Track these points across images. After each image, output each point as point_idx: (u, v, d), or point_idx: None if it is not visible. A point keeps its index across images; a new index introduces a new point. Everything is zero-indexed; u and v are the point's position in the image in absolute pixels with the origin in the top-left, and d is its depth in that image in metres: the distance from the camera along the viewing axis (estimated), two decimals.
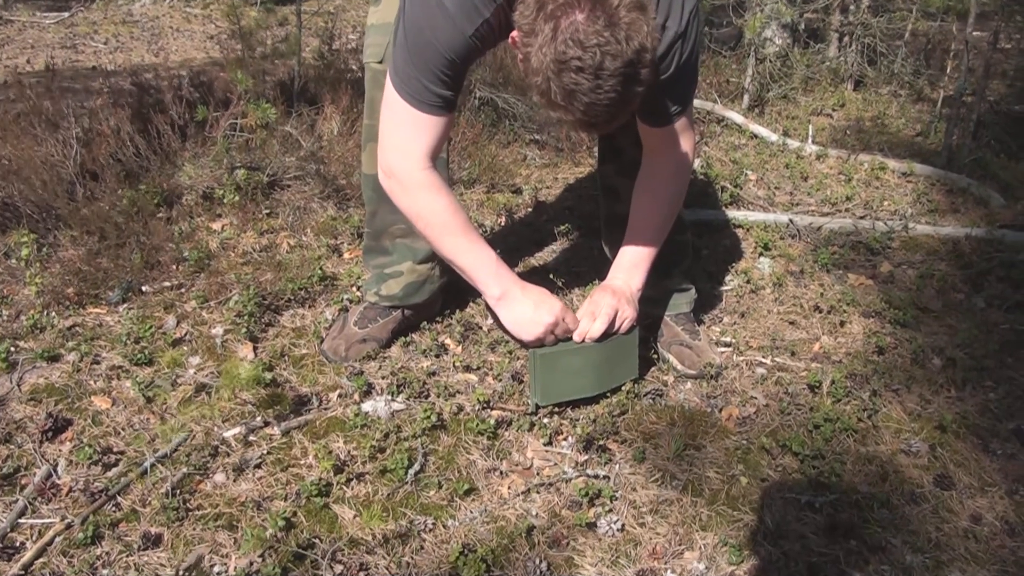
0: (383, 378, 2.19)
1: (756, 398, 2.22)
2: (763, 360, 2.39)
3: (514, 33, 1.64)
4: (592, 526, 1.77)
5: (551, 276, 2.61)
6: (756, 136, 4.40)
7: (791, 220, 3.22)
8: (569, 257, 2.87)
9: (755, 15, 5.34)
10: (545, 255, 2.87)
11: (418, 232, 2.00)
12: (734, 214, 3.27)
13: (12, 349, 2.21)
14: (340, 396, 2.11)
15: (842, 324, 2.58)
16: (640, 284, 2.14)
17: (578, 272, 2.77)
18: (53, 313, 2.38)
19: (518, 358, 2.29)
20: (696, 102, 4.69)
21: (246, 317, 2.28)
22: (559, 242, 3.01)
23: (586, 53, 1.50)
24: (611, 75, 1.52)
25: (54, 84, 3.40)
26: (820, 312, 2.64)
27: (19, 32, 5.99)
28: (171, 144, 2.90)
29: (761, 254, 3.01)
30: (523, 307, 1.97)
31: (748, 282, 2.79)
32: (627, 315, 2.07)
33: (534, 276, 2.66)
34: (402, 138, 1.90)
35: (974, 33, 4.20)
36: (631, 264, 2.13)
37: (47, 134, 2.89)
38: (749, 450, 2.01)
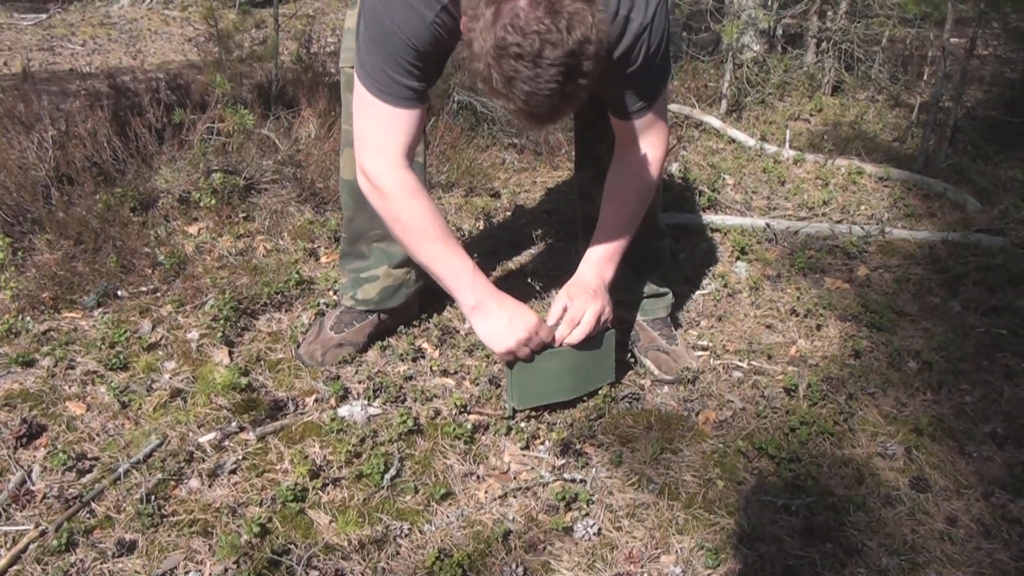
0: (360, 383, 2.18)
1: (733, 401, 2.22)
2: (740, 364, 2.39)
3: (463, 18, 1.61)
4: (569, 530, 1.77)
5: (529, 280, 2.61)
6: (734, 141, 4.42)
7: (768, 224, 3.23)
8: (547, 261, 2.87)
9: (733, 21, 5.37)
10: (523, 259, 2.87)
11: (395, 237, 1.98)
12: (711, 218, 3.28)
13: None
14: (316, 401, 2.10)
15: (819, 328, 2.59)
16: (610, 276, 2.12)
17: (556, 276, 2.77)
18: (28, 317, 2.35)
19: (495, 362, 2.28)
20: (674, 107, 4.71)
21: (222, 321, 2.27)
22: (537, 246, 3.01)
23: (525, 40, 1.46)
24: (551, 64, 1.48)
25: (28, 86, 3.37)
26: (797, 316, 2.65)
27: None
28: (148, 147, 2.88)
29: (738, 258, 3.02)
30: (497, 320, 1.95)
31: (725, 286, 2.80)
32: (605, 314, 2.06)
33: (512, 279, 2.68)
34: (375, 136, 1.89)
35: (951, 40, 4.24)
36: (602, 258, 2.11)
37: (21, 137, 2.86)
38: (726, 453, 2.01)
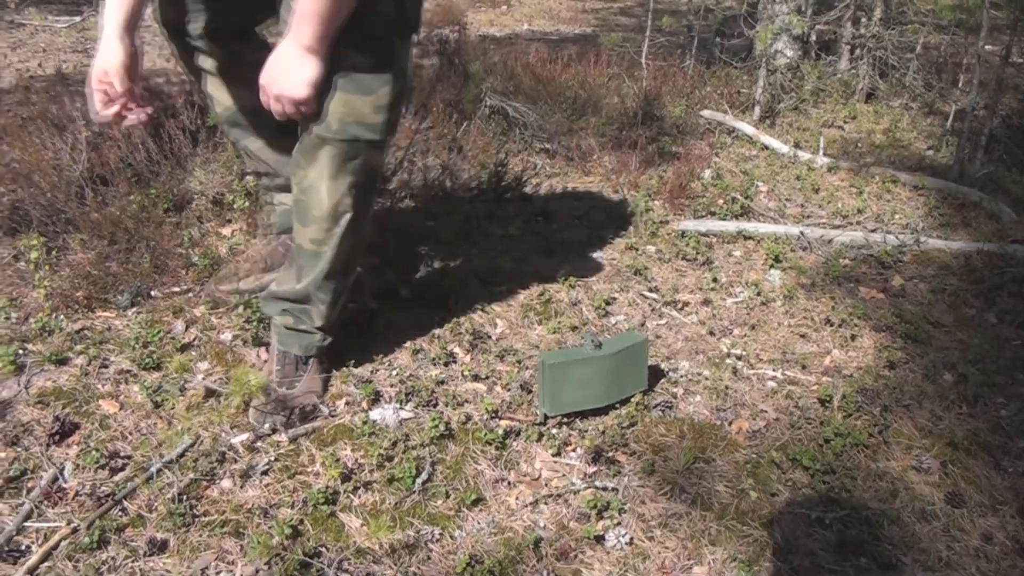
0: (391, 386, 2.18)
1: (766, 411, 2.20)
2: (773, 373, 2.37)
3: None
4: (600, 539, 1.75)
5: (560, 286, 2.61)
6: (767, 148, 4.39)
7: (802, 232, 3.21)
8: (579, 266, 2.86)
9: (767, 26, 5.34)
10: (555, 264, 2.86)
11: None
12: (745, 225, 3.26)
13: (20, 352, 2.19)
14: (348, 403, 2.10)
15: (853, 338, 2.56)
16: (310, 41, 1.72)
17: (588, 282, 2.77)
18: (62, 316, 2.37)
19: (527, 368, 2.28)
20: (707, 113, 4.69)
21: (255, 323, 2.27)
22: (568, 251, 3.00)
23: None
24: None
25: (61, 88, 3.40)
26: (831, 325, 2.62)
27: (31, 36, 6.00)
28: (182, 149, 2.90)
29: (772, 266, 3.00)
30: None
31: (759, 294, 2.78)
32: (283, 88, 1.76)
33: (544, 285, 2.67)
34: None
35: (986, 47, 4.19)
36: (299, 15, 1.72)
37: (55, 138, 2.88)
38: (759, 464, 2.00)
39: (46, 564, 1.63)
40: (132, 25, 1.88)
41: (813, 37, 6.07)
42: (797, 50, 5.88)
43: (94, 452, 1.87)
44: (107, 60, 1.87)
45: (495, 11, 7.77)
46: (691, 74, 5.19)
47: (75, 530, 1.70)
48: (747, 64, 5.65)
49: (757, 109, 4.95)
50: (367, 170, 1.95)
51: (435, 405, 2.12)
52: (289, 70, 1.74)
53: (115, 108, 1.92)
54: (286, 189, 2.24)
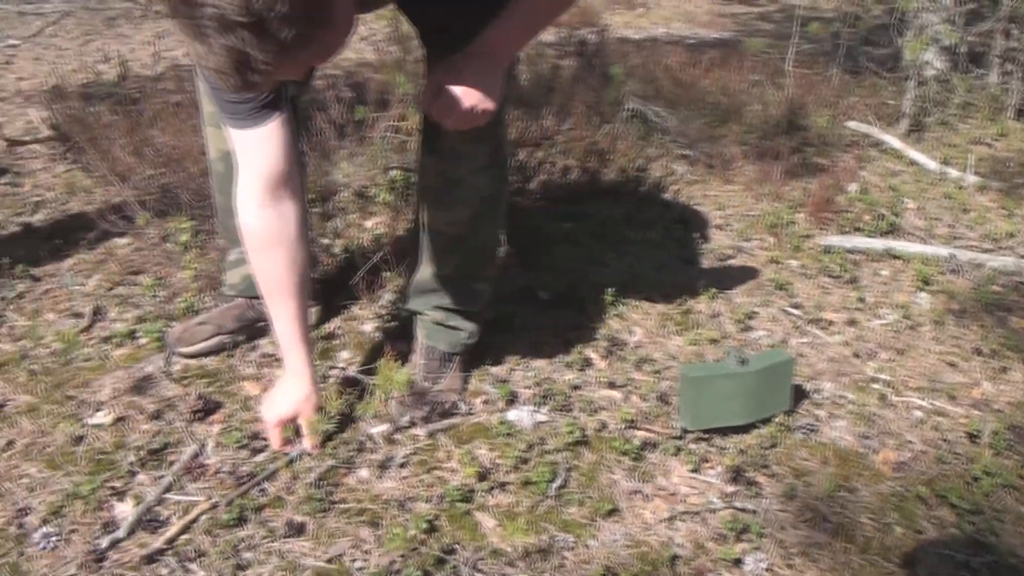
0: (527, 388, 2.17)
1: (913, 442, 2.11)
2: (920, 402, 2.28)
3: None
4: (738, 562, 1.71)
5: (703, 297, 2.57)
6: (914, 163, 4.22)
7: (952, 254, 3.07)
8: (721, 278, 2.80)
9: (918, 36, 5.14)
10: (694, 273, 2.81)
11: None
12: (892, 244, 3.14)
13: (166, 329, 2.27)
14: (485, 403, 2.11)
15: (1004, 370, 2.44)
16: (508, 59, 1.77)
17: (729, 295, 2.71)
18: (207, 297, 2.45)
19: (665, 378, 2.24)
20: (852, 124, 4.54)
21: (397, 315, 2.30)
22: (708, 261, 2.95)
23: None
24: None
25: None
26: (981, 355, 2.50)
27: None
28: (329, 142, 2.96)
29: (920, 288, 2.88)
30: (275, 391, 1.94)
31: (906, 317, 2.67)
32: (479, 102, 1.71)
33: (686, 296, 2.63)
34: (240, 167, 1.78)
35: None
36: (502, 35, 1.72)
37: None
38: (904, 498, 1.91)
39: (185, 536, 1.68)
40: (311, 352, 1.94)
41: (963, 48, 5.81)
42: (946, 61, 5.63)
43: (236, 432, 1.93)
44: (302, 404, 1.89)
45: (631, 13, 7.69)
46: (836, 83, 5.03)
47: (214, 506, 1.75)
48: (894, 74, 5.44)
49: (904, 122, 4.76)
50: (506, 158, 2.08)
51: (570, 410, 2.11)
52: (488, 85, 1.74)
53: (314, 443, 1.91)
54: None
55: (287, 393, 1.89)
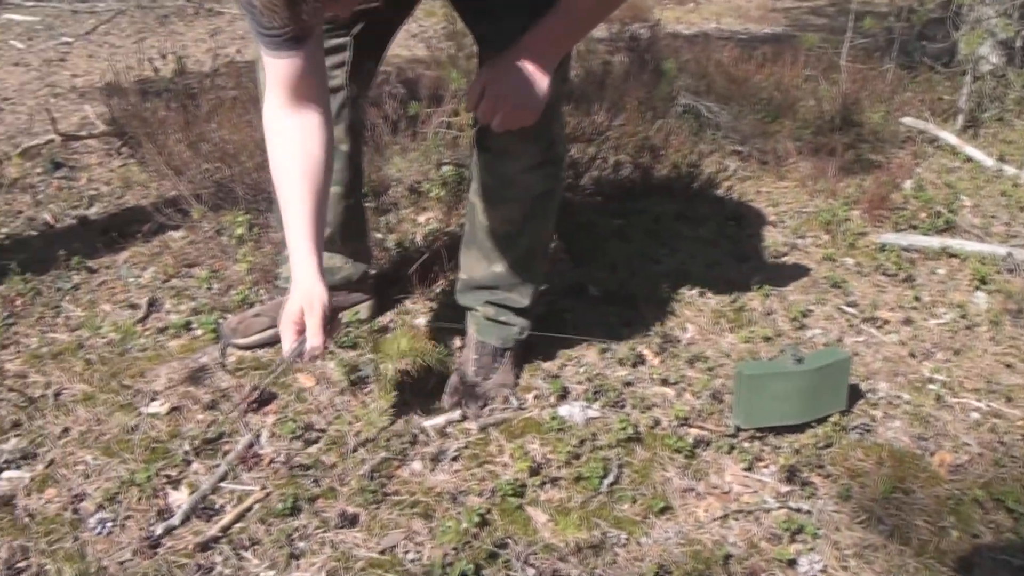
0: (579, 384, 2.17)
1: (969, 445, 2.07)
2: (977, 404, 2.23)
3: None
4: (792, 563, 1.69)
5: (754, 295, 2.55)
6: (970, 159, 4.14)
7: (1009, 253, 3.01)
8: (773, 275, 2.77)
9: (973, 30, 5.04)
10: (748, 270, 2.78)
11: None
12: (949, 242, 3.08)
13: (220, 321, 2.30)
14: (536, 398, 2.11)
15: None
16: (553, 61, 1.76)
17: (783, 292, 2.68)
18: (262, 291, 2.47)
19: (718, 376, 2.22)
20: (908, 120, 4.47)
21: (450, 310, 2.30)
22: (762, 258, 2.92)
23: None
24: None
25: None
26: None
27: (229, 23, 6.29)
28: (382, 137, 2.98)
29: (977, 288, 2.82)
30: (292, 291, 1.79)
31: (963, 317, 2.62)
32: (517, 102, 1.74)
33: (735, 293, 2.61)
34: (266, 84, 1.76)
35: None
36: (546, 37, 1.74)
37: (261, 120, 3.00)
38: (961, 501, 1.88)
39: (239, 525, 1.70)
40: (322, 258, 1.81)
41: (1019, 43, 5.69)
42: (1002, 56, 5.52)
43: (290, 423, 1.94)
44: (310, 299, 1.72)
45: (682, 8, 7.63)
46: (890, 78, 4.95)
47: (268, 495, 1.77)
48: (950, 69, 5.35)
49: (960, 118, 4.68)
50: (560, 156, 2.07)
51: (623, 406, 2.10)
52: (534, 87, 1.75)
53: (318, 344, 1.74)
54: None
55: (292, 295, 1.76)
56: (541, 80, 1.75)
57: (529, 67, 1.73)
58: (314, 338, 1.71)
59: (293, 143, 1.75)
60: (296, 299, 1.73)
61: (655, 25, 4.32)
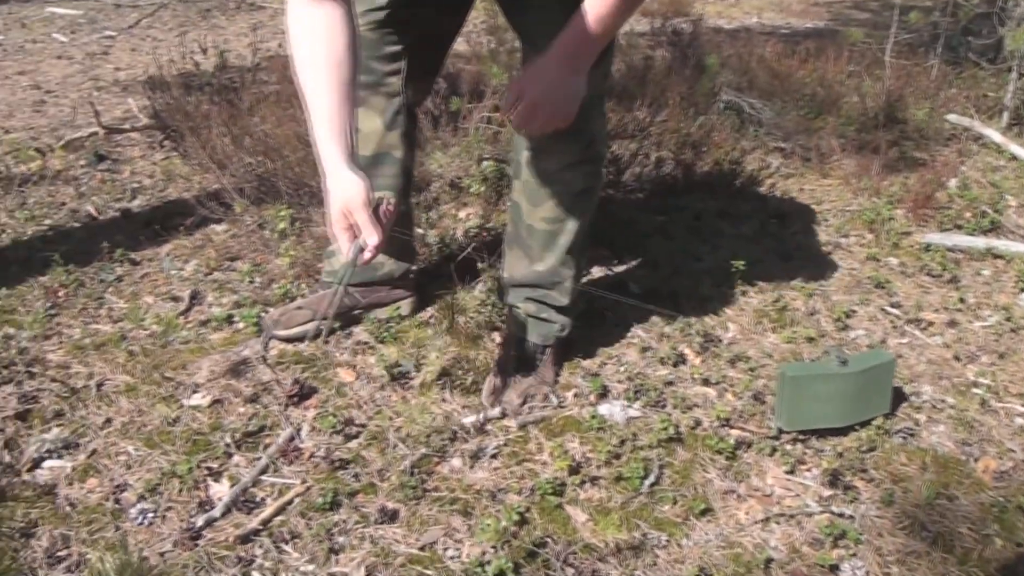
0: (619, 382, 2.16)
1: (1014, 451, 2.04)
2: (1022, 409, 2.20)
3: None
4: (835, 569, 1.67)
5: (796, 289, 2.52)
6: (1015, 158, 4.07)
7: None
8: (816, 275, 2.74)
9: (1020, 25, 4.95)
10: (791, 269, 2.75)
11: None
12: (994, 243, 3.03)
13: (262, 315, 2.32)
14: (576, 396, 2.10)
15: None
16: (585, 64, 1.74)
17: (826, 292, 2.65)
18: (303, 285, 2.48)
19: (760, 376, 2.20)
20: (952, 117, 4.40)
21: (490, 306, 2.30)
22: (805, 257, 2.89)
23: None
24: None
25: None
26: None
27: (271, 18, 6.33)
28: (423, 132, 2.98)
29: (1023, 290, 2.78)
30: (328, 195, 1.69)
31: (1008, 319, 2.57)
32: (547, 105, 1.73)
33: (777, 292, 2.59)
34: None
35: None
36: (577, 40, 1.70)
37: (305, 114, 3.01)
38: (1005, 509, 1.84)
39: (279, 518, 1.71)
40: (352, 149, 1.70)
41: None
42: None
43: (331, 417, 1.95)
44: (348, 196, 1.61)
45: (723, 3, 7.57)
46: (935, 74, 4.88)
47: (308, 489, 1.78)
48: (996, 66, 5.25)
49: (1005, 115, 4.60)
50: (600, 154, 2.08)
51: (663, 406, 2.09)
52: (566, 91, 1.74)
53: (376, 240, 1.63)
54: None
55: (331, 198, 1.65)
56: (575, 84, 1.75)
57: (562, 71, 1.73)
58: (370, 235, 1.60)
59: (316, 37, 1.68)
60: (336, 203, 1.62)
61: (697, 20, 4.29)
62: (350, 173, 1.61)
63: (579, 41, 1.71)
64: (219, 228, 2.84)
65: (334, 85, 1.67)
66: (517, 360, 2.12)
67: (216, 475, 1.81)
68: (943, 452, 2.01)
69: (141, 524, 1.67)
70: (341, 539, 1.67)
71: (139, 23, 5.99)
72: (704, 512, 1.78)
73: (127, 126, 3.73)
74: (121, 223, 2.92)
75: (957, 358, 2.39)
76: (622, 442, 1.93)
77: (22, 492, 1.73)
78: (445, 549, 1.66)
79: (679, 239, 2.90)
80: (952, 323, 2.55)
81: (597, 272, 2.65)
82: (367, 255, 1.60)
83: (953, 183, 3.52)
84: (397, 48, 2.01)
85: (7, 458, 1.82)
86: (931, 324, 2.54)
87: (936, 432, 2.08)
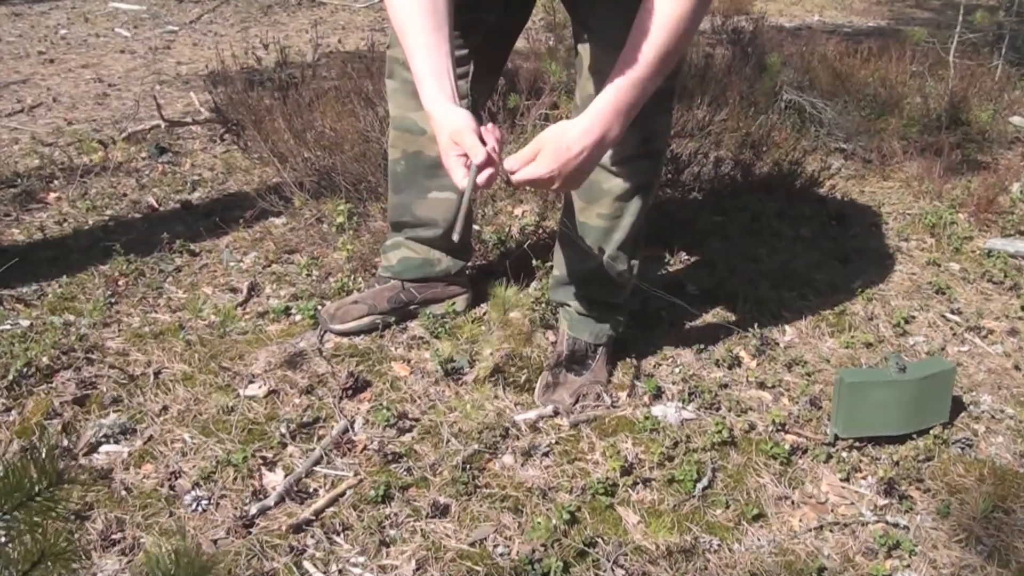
0: (673, 383, 2.15)
1: None
2: None
3: None
4: None
5: (856, 294, 2.49)
6: None
7: None
8: (873, 275, 2.70)
9: None
10: (850, 273, 2.72)
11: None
12: None
13: (319, 308, 2.34)
14: (629, 396, 2.10)
15: None
16: (619, 134, 1.67)
17: (884, 292, 2.61)
18: (360, 279, 2.50)
19: (816, 381, 2.18)
20: (1016, 119, 4.30)
21: (543, 305, 2.31)
22: (864, 261, 2.85)
23: None
24: None
25: (375, 66, 3.58)
26: None
27: (331, 14, 6.40)
28: None
29: None
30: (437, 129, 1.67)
31: None
32: (557, 170, 1.64)
33: (836, 296, 2.56)
34: None
35: None
36: (604, 107, 1.64)
37: (367, 111, 3.04)
38: None
39: (331, 509, 1.73)
40: (453, 91, 1.67)
41: None
42: None
43: (384, 411, 1.97)
44: (456, 125, 1.59)
45: (784, 1, 7.48)
46: (1000, 76, 4.78)
47: (361, 481, 1.80)
48: None
49: None
50: (659, 151, 2.07)
51: (718, 409, 2.08)
52: (589, 169, 1.69)
53: (490, 170, 1.60)
54: (426, 242, 2.28)
55: (438, 134, 1.65)
56: (599, 158, 1.69)
57: (593, 152, 1.65)
58: (480, 154, 1.57)
59: None
60: (443, 133, 1.61)
61: (758, 18, 4.24)
62: (455, 109, 1.61)
63: (616, 110, 1.64)
64: (278, 221, 2.88)
65: (433, 24, 1.67)
66: (570, 359, 2.13)
67: (270, 465, 1.84)
68: (1001, 464, 1.97)
69: (195, 511, 1.71)
70: (392, 532, 1.69)
71: (201, 18, 6.09)
72: (757, 517, 1.77)
73: (188, 119, 3.80)
74: (181, 215, 2.98)
75: (1017, 368, 2.34)
76: (675, 444, 1.92)
77: (79, 475, 1.77)
78: (495, 546, 1.67)
79: (737, 240, 2.88)
80: (1013, 331, 2.50)
81: (653, 271, 2.63)
82: (484, 181, 1.59)
83: (1016, 187, 3.45)
84: (464, 52, 2.02)
85: (65, 442, 1.87)
86: (991, 332, 2.49)
87: (995, 443, 2.04)
